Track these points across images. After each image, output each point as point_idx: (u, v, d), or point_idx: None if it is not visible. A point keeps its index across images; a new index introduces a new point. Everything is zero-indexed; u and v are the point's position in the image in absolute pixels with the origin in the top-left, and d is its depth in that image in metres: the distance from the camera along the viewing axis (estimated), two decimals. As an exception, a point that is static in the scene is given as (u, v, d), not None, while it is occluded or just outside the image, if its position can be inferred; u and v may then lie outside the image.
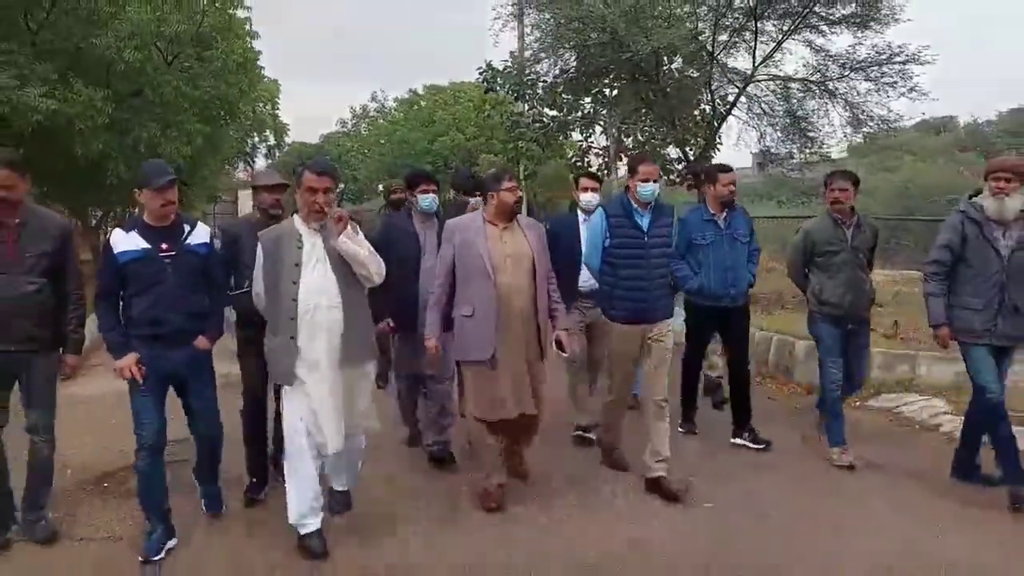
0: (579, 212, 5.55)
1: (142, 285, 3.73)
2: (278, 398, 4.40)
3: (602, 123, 15.05)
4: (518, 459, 4.75)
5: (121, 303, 3.83)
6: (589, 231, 4.89)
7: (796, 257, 5.35)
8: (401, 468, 5.16)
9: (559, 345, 4.48)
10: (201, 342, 3.92)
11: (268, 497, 4.57)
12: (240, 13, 11.28)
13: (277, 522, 4.07)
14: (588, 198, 5.49)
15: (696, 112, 13.90)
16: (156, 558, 3.75)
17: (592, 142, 15.73)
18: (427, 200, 5.09)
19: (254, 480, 4.65)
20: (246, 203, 30.14)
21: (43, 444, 4.02)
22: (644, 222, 4.61)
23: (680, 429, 5.70)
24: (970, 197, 4.74)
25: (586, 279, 5.21)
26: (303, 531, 3.91)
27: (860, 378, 5.41)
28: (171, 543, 3.88)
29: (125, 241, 3.72)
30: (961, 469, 4.81)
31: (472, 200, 5.59)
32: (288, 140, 23.59)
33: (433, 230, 5.01)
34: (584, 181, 5.64)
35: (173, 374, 3.89)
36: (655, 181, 4.60)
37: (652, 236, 4.61)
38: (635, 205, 4.65)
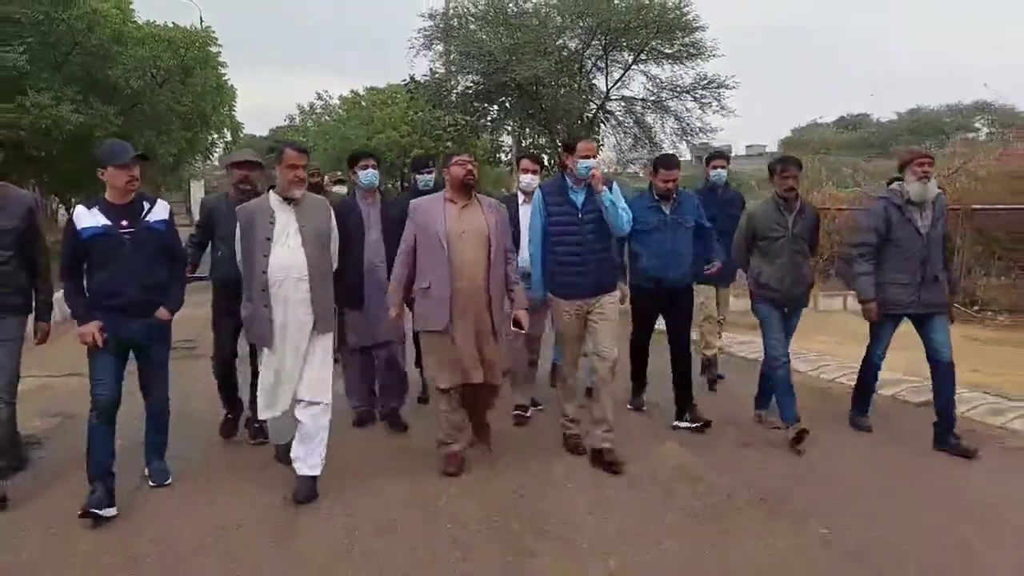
0: (519, 195, 5.45)
1: (102, 259, 3.81)
2: (255, 370, 4.65)
3: (507, 127, 18.89)
4: (483, 429, 4.77)
5: (85, 276, 3.91)
6: (531, 210, 4.85)
7: (739, 240, 5.35)
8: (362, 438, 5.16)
9: (517, 323, 4.49)
10: (162, 313, 4.00)
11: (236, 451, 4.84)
12: (214, 49, 15.01)
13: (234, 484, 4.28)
14: (528, 179, 5.40)
15: (578, 121, 17.66)
16: (94, 511, 3.68)
17: (502, 142, 19.58)
18: (368, 175, 5.11)
19: (229, 416, 5.05)
20: (197, 191, 33.19)
21: (3, 406, 4.08)
22: (579, 199, 4.60)
23: (628, 406, 5.70)
24: (888, 184, 5.11)
25: (526, 260, 5.04)
26: (278, 443, 4.47)
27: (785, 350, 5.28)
28: (111, 511, 3.76)
29: (87, 217, 3.79)
30: (859, 409, 5.42)
31: (420, 177, 5.75)
32: (241, 135, 26.56)
33: (376, 207, 5.12)
34: (525, 163, 5.52)
35: (132, 342, 3.97)
36: (594, 157, 4.59)
37: (586, 212, 4.59)
38: (570, 183, 4.63)
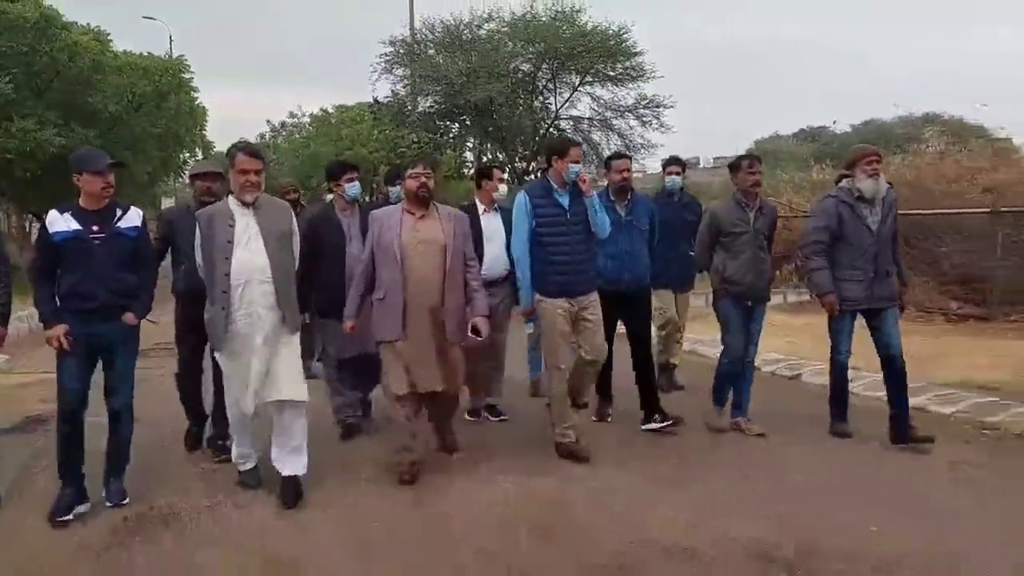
0: (478, 205, 5.46)
1: (73, 263, 3.85)
2: (218, 386, 4.50)
3: (469, 144, 20.11)
4: (446, 435, 4.78)
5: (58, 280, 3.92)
6: (515, 214, 4.86)
7: (703, 237, 5.43)
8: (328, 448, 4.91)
9: (475, 331, 4.53)
10: (128, 318, 3.98)
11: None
12: (186, 75, 16.16)
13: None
14: (504, 188, 5.60)
15: (533, 139, 18.90)
16: (62, 519, 3.73)
17: (465, 158, 20.77)
18: (354, 188, 5.17)
19: (192, 428, 4.85)
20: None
21: None
22: (565, 201, 4.71)
23: (593, 418, 5.42)
24: (836, 183, 5.16)
25: (488, 268, 5.14)
26: (241, 468, 4.30)
27: (750, 353, 5.32)
28: (83, 508, 3.86)
29: (59, 222, 3.83)
30: (838, 415, 5.17)
31: (392, 189, 5.84)
32: (212, 153, 27.19)
33: (356, 218, 5.09)
34: (499, 173, 5.61)
35: (100, 345, 3.96)
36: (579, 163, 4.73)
37: (573, 214, 4.71)
38: (555, 186, 4.73)
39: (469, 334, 4.48)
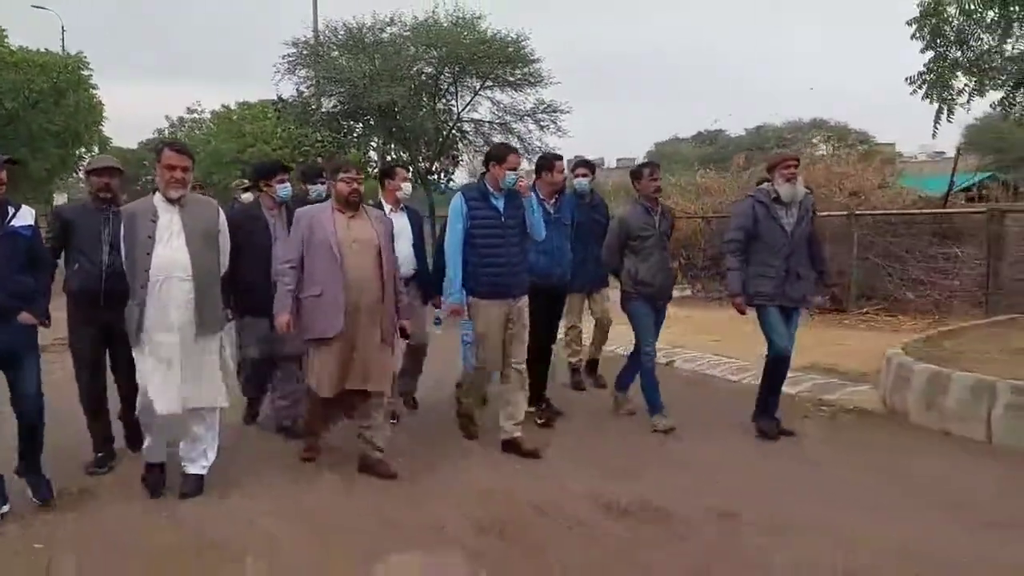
0: (384, 205, 5.46)
1: None
2: (116, 370, 4.56)
3: (373, 144, 20.51)
4: (380, 461, 4.56)
5: None
6: (450, 215, 4.90)
7: (612, 241, 5.54)
8: (247, 439, 5.25)
9: (403, 332, 4.60)
10: (25, 317, 3.84)
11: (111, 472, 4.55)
12: (86, 72, 16.07)
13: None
14: (409, 187, 5.63)
15: (437, 140, 19.41)
16: None
17: (369, 157, 21.11)
18: (285, 189, 5.18)
19: (99, 455, 4.59)
20: (61, 202, 33.20)
21: None
22: (500, 204, 4.79)
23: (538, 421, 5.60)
24: (757, 185, 5.40)
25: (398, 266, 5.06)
26: (149, 462, 4.25)
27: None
28: (4, 508, 3.80)
29: None
30: (761, 409, 5.41)
31: (312, 187, 5.77)
32: (109, 149, 26.75)
33: (283, 218, 5.05)
34: (403, 172, 5.65)
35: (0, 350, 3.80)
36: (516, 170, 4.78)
37: (508, 217, 4.80)
38: (491, 190, 4.81)
39: (398, 336, 4.65)
